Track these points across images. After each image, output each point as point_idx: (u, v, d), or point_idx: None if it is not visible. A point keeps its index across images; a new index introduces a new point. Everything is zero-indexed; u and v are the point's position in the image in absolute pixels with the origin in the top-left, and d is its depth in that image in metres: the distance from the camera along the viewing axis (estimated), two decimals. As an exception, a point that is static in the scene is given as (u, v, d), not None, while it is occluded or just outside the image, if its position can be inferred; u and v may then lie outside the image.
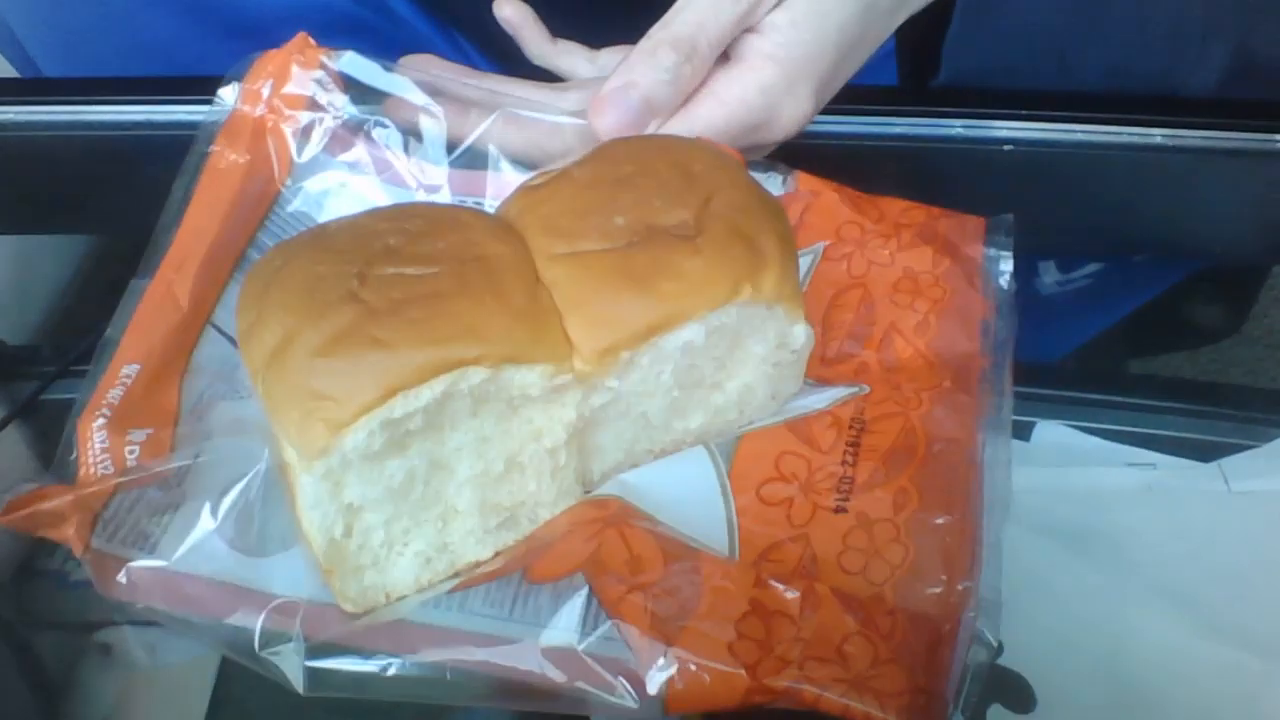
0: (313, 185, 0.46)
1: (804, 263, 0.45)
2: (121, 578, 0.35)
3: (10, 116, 0.50)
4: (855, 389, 0.41)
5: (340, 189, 0.46)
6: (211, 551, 0.36)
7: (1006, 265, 0.45)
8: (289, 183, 0.45)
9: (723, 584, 0.34)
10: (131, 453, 0.36)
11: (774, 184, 0.47)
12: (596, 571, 0.34)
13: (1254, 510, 0.45)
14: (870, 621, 0.33)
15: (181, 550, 0.35)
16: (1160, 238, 0.55)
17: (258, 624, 0.34)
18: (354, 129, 0.46)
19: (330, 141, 0.46)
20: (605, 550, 0.35)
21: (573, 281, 0.36)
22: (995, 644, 0.33)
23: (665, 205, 0.37)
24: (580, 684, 0.32)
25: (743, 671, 0.31)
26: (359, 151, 0.46)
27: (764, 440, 0.39)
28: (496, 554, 0.37)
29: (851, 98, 0.48)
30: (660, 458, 0.40)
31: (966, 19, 0.50)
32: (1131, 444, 0.48)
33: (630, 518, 0.36)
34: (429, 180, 0.46)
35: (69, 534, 0.34)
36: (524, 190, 0.39)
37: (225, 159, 0.43)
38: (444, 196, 0.46)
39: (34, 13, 0.61)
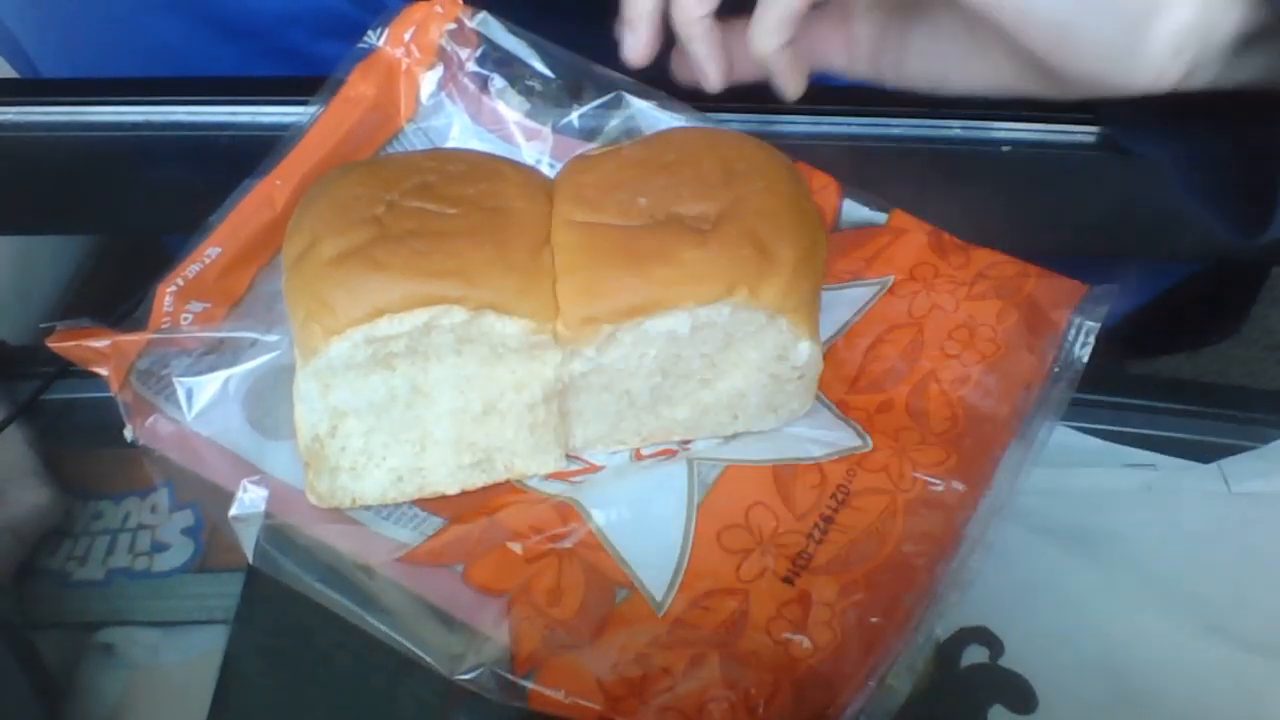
0: (433, 127, 0.49)
1: (867, 293, 0.44)
2: (150, 422, 0.40)
3: (10, 116, 0.49)
4: (858, 443, 0.39)
5: (456, 135, 0.49)
6: (228, 421, 0.40)
7: (1090, 337, 0.41)
8: (412, 123, 0.49)
9: (625, 628, 0.34)
10: (185, 319, 0.41)
11: (867, 215, 0.46)
12: (520, 598, 0.35)
13: (1254, 511, 0.45)
14: (741, 688, 0.32)
15: (195, 412, 0.39)
16: (1159, 239, 0.52)
17: (237, 492, 0.38)
18: (478, 82, 0.49)
19: (455, 91, 0.49)
20: (536, 577, 0.36)
21: (576, 249, 0.37)
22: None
23: (693, 196, 0.38)
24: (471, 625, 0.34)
25: (599, 706, 0.32)
26: (478, 104, 0.49)
27: (745, 481, 0.38)
28: (463, 492, 0.39)
29: (850, 98, 0.47)
30: (646, 442, 0.40)
31: None
32: (1131, 444, 0.47)
33: (580, 544, 0.37)
34: (535, 141, 0.49)
35: (106, 371, 0.39)
36: (577, 158, 0.41)
37: (355, 89, 0.47)
38: (545, 158, 0.49)
39: (33, 15, 0.59)
